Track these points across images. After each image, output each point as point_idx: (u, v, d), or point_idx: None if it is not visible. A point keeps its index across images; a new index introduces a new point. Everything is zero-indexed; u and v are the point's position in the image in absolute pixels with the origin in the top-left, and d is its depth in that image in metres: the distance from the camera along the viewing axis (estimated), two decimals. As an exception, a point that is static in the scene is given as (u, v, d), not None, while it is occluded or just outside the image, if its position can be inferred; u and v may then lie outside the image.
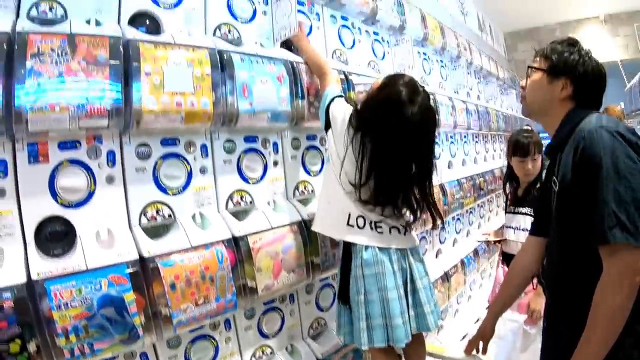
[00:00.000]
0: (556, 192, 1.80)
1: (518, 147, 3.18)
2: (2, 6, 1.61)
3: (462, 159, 4.71)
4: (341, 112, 2.10)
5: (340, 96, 2.22)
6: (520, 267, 2.16)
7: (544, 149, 2.53)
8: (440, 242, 4.12)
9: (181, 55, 1.85)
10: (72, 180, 1.69)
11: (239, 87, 1.99)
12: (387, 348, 1.98)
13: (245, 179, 2.22)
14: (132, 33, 1.81)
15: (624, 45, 9.02)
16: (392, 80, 2.02)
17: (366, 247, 1.98)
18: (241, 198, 2.19)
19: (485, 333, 2.19)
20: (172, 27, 2.03)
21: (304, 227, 2.23)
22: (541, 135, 2.95)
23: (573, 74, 1.79)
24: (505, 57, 8.60)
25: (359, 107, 2.08)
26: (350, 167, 2.00)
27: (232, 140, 2.18)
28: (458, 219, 4.51)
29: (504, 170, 3.94)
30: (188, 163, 2.00)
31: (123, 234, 1.75)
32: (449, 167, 4.31)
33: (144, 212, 1.86)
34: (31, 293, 1.44)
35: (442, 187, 3.72)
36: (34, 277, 1.46)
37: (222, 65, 1.96)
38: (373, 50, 3.39)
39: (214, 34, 2.20)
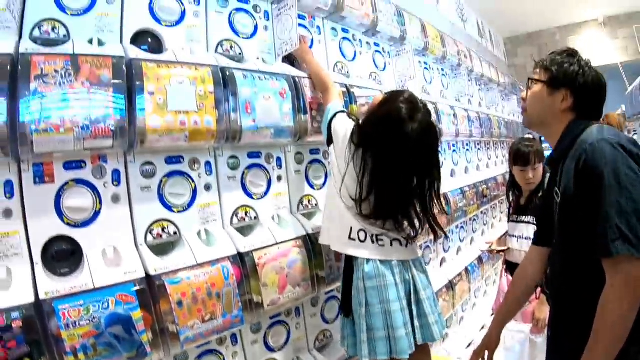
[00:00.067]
0: (558, 204, 1.80)
1: (519, 156, 3.19)
2: (4, 27, 1.62)
3: (465, 166, 4.71)
4: (343, 128, 2.12)
5: (343, 111, 2.24)
6: (524, 277, 2.16)
7: (545, 159, 2.54)
8: (445, 250, 4.12)
9: (184, 74, 1.86)
10: (78, 200, 1.70)
11: (242, 104, 2.01)
12: (390, 360, 1.99)
13: (249, 195, 2.23)
14: (135, 52, 1.82)
15: (623, 47, 9.02)
16: (393, 97, 2.05)
17: (367, 261, 2.00)
18: (246, 214, 2.20)
19: (490, 343, 2.18)
20: (174, 45, 2.04)
21: (308, 241, 2.24)
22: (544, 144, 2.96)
23: (573, 85, 1.79)
24: (505, 63, 8.59)
25: (360, 122, 2.10)
26: (352, 182, 2.02)
27: (236, 157, 2.19)
28: (462, 227, 4.50)
29: (507, 177, 3.94)
30: (193, 180, 2.02)
31: (129, 252, 1.76)
32: (451, 175, 4.31)
33: (149, 230, 1.87)
34: (39, 312, 1.45)
35: (445, 196, 3.70)
36: (41, 296, 1.47)
37: (224, 82, 1.98)
38: (374, 62, 3.41)
39: (216, 50, 2.22)
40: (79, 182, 1.71)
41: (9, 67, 1.48)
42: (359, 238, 2.03)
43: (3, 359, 1.35)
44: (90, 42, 1.78)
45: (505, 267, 3.58)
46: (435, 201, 2.09)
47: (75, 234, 1.69)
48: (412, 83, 3.65)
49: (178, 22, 2.09)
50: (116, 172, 1.80)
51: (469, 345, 3.89)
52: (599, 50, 8.77)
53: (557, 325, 1.90)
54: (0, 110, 1.43)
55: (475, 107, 5.14)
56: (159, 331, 1.68)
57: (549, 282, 2.03)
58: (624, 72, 8.59)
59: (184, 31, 2.11)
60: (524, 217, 3.26)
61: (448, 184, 3.92)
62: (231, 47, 2.28)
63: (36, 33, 1.70)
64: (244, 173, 2.22)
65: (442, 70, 4.61)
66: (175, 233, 1.94)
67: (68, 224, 1.68)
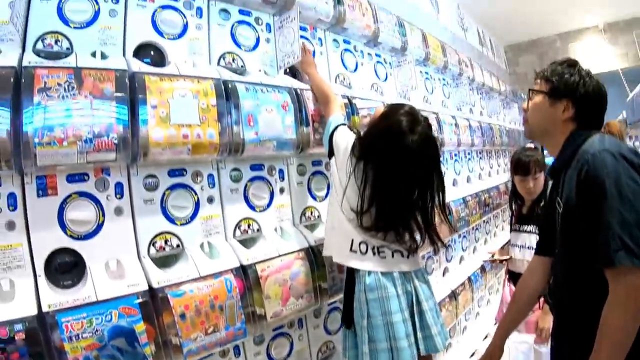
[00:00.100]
0: (560, 214, 1.80)
1: (519, 165, 3.20)
2: (8, 39, 1.63)
3: (467, 176, 4.71)
4: (344, 141, 2.13)
5: (344, 124, 2.25)
6: (527, 287, 2.15)
7: (547, 169, 2.54)
8: (447, 260, 4.11)
9: (186, 87, 1.87)
10: (81, 213, 1.70)
11: (244, 116, 2.02)
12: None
13: (252, 207, 2.23)
14: (138, 65, 1.83)
15: (624, 53, 9.01)
16: (393, 110, 2.06)
17: (369, 273, 2.00)
18: (248, 226, 2.20)
19: (494, 354, 2.17)
20: (177, 58, 2.05)
21: (311, 253, 2.23)
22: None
23: (574, 96, 1.80)
24: (506, 71, 8.61)
25: (361, 135, 2.11)
26: (353, 194, 2.02)
27: (239, 169, 2.20)
28: (464, 236, 4.49)
29: (509, 185, 3.94)
30: (195, 193, 2.02)
31: (132, 264, 1.76)
32: (453, 185, 4.31)
33: (152, 243, 1.87)
34: (42, 325, 1.45)
35: (447, 206, 3.69)
36: (44, 309, 1.47)
37: (227, 95, 1.98)
38: (376, 72, 3.42)
39: (218, 63, 2.23)
40: (82, 194, 1.72)
41: (12, 80, 1.49)
42: (360, 250, 2.03)
43: (6, 371, 1.36)
44: (94, 54, 1.79)
45: (507, 276, 3.58)
46: (440, 213, 2.09)
47: (78, 246, 1.69)
48: (413, 93, 3.67)
49: (180, 35, 2.11)
50: (119, 185, 1.80)
51: (472, 355, 3.89)
52: (600, 56, 8.75)
53: (560, 335, 1.90)
54: (3, 123, 1.44)
55: (477, 116, 5.14)
56: (161, 344, 1.67)
57: (552, 292, 2.03)
58: (625, 79, 8.59)
59: (187, 44, 2.12)
60: (526, 226, 3.26)
61: (450, 194, 3.91)
62: (233, 60, 2.29)
63: (39, 46, 1.71)
64: (246, 185, 2.22)
65: (444, 79, 4.62)
66: (178, 245, 1.94)
67: (71, 236, 1.68)
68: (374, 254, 2.03)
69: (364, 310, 1.97)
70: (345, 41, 3.11)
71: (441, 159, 2.14)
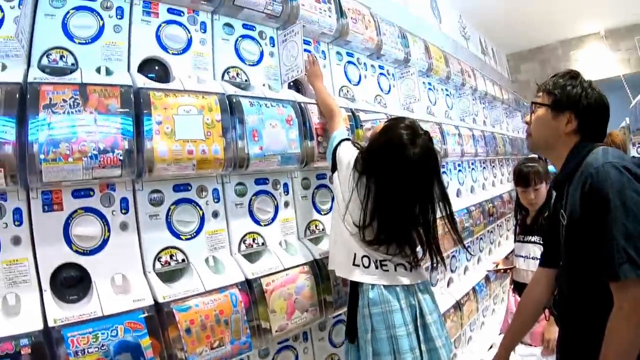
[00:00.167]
0: (564, 226, 1.80)
1: (520, 177, 3.22)
2: (13, 55, 1.64)
3: (471, 186, 4.71)
4: (347, 156, 2.14)
5: (348, 139, 2.26)
6: (532, 298, 2.15)
7: (550, 182, 2.54)
8: (452, 270, 4.10)
9: (191, 102, 1.87)
10: (87, 228, 1.71)
11: (248, 131, 2.02)
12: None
13: (256, 221, 2.24)
14: (142, 81, 1.84)
15: (625, 59, 9.01)
16: (394, 124, 2.07)
17: (372, 286, 2.00)
18: (253, 240, 2.20)
19: (500, 366, 2.18)
20: (181, 72, 2.06)
21: (316, 267, 2.23)
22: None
23: (577, 108, 1.80)
24: (508, 79, 8.63)
25: (363, 150, 2.12)
26: (355, 209, 2.03)
27: (243, 184, 2.21)
28: (468, 246, 4.48)
29: (513, 194, 3.94)
30: (200, 208, 2.03)
31: (138, 279, 1.77)
32: (457, 195, 4.30)
33: (158, 258, 1.88)
34: (48, 339, 1.44)
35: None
36: (50, 323, 1.47)
37: (231, 110, 1.99)
38: (379, 85, 3.43)
39: (223, 77, 2.24)
40: (88, 210, 1.73)
41: (17, 96, 1.50)
42: (363, 264, 2.04)
43: (12, 387, 1.36)
44: (98, 70, 1.80)
45: (512, 287, 3.57)
46: (447, 223, 2.09)
47: (84, 261, 1.70)
48: (417, 105, 3.67)
49: (185, 50, 2.12)
50: (124, 200, 1.81)
51: (477, 365, 3.88)
52: (601, 63, 8.77)
53: (566, 347, 1.90)
54: (9, 139, 1.44)
55: (480, 125, 5.15)
56: (167, 358, 1.67)
57: (557, 303, 2.02)
58: (627, 84, 8.58)
59: (191, 59, 2.13)
60: (531, 237, 3.26)
61: (454, 204, 3.90)
62: (237, 74, 2.30)
63: (44, 61, 1.72)
64: (251, 200, 2.23)
65: (446, 90, 4.63)
66: (183, 260, 1.94)
67: (77, 252, 1.69)
68: (376, 267, 2.03)
69: (368, 324, 1.97)
70: (348, 54, 3.12)
71: (443, 170, 2.13)
